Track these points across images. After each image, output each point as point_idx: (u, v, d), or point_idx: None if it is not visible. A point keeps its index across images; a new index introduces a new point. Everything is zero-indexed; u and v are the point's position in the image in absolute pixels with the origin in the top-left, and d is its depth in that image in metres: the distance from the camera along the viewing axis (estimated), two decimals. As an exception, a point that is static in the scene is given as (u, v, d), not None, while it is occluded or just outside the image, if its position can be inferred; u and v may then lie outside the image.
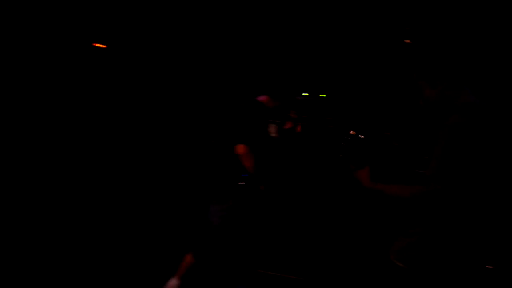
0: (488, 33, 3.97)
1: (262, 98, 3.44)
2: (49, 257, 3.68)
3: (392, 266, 1.98)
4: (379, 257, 2.18)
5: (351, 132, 2.09)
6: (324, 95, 3.74)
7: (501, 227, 1.93)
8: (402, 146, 4.08)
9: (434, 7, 3.99)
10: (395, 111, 4.58)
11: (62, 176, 5.57)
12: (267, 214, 3.48)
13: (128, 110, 5.02)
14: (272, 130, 3.91)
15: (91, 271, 3.61)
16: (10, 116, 4.67)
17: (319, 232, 4.10)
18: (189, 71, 5.03)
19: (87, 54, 5.00)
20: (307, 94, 3.74)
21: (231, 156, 3.19)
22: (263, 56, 4.67)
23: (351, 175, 2.13)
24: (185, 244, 3.45)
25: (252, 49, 4.65)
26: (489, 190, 1.88)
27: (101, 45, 4.76)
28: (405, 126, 4.09)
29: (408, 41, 4.70)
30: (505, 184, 1.92)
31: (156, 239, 4.36)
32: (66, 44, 4.82)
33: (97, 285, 3.42)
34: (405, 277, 1.93)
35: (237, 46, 4.66)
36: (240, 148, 3.12)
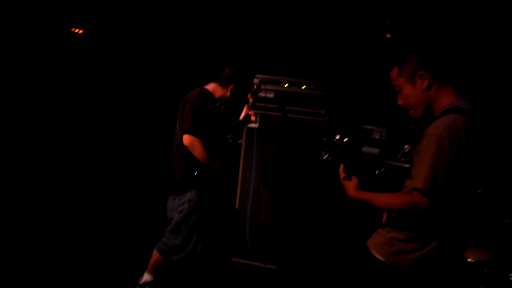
0: (474, 29, 3.96)
1: (209, 86, 3.35)
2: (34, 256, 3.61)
3: (372, 259, 1.97)
4: (358, 248, 2.17)
5: (337, 136, 2.05)
6: (305, 86, 3.68)
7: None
8: (385, 147, 4.08)
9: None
10: (376, 111, 4.56)
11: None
12: (230, 202, 3.44)
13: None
14: (253, 118, 3.83)
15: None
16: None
17: (289, 219, 4.07)
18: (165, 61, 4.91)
19: (65, 40, 4.86)
20: (287, 85, 3.67)
21: (183, 147, 3.11)
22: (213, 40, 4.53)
23: (337, 181, 2.10)
24: (150, 240, 3.41)
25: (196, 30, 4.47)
26: (471, 197, 1.87)
27: (78, 30, 4.60)
28: (387, 126, 4.08)
29: (389, 35, 4.68)
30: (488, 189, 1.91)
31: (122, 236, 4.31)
32: (43, 29, 4.68)
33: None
34: (386, 270, 1.92)
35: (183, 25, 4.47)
36: (186, 139, 3.06)
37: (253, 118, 3.64)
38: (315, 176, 3.91)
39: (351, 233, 3.92)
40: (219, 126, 3.34)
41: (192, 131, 3.01)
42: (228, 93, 3.32)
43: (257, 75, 3.94)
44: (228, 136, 3.52)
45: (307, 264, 3.91)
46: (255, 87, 3.63)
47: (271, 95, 4.00)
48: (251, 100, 3.60)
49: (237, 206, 3.91)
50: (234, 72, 3.31)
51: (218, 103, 3.32)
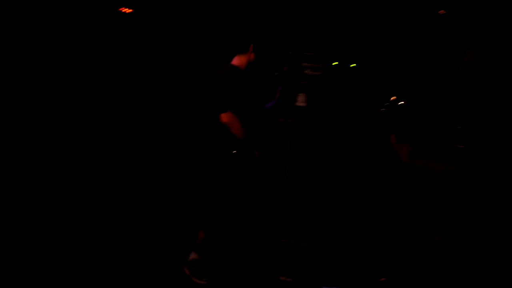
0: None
1: (233, 61, 3.26)
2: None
3: (430, 241, 1.92)
4: (414, 232, 2.12)
5: (392, 98, 2.01)
6: (355, 64, 3.54)
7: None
8: (437, 119, 3.93)
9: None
10: (429, 82, 4.39)
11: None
12: (271, 181, 3.39)
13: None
14: (301, 99, 3.78)
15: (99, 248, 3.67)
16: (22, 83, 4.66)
17: (339, 200, 4.01)
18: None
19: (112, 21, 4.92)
20: (336, 63, 3.55)
21: (219, 127, 3.06)
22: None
23: (390, 148, 2.07)
24: (197, 222, 3.43)
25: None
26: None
27: (127, 10, 4.64)
28: (441, 97, 3.92)
29: (442, 11, 4.47)
30: None
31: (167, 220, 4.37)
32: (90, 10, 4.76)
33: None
34: (444, 252, 1.87)
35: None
36: (224, 117, 3.01)
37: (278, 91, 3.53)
38: (365, 155, 3.83)
39: (403, 216, 3.84)
40: (252, 101, 3.25)
41: (226, 108, 2.97)
42: (252, 55, 3.21)
43: (306, 53, 3.87)
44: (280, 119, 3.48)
45: (354, 246, 3.86)
46: (291, 60, 3.53)
47: (319, 73, 3.92)
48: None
49: (285, 187, 3.89)
50: (246, 33, 3.22)
51: (248, 77, 3.23)
